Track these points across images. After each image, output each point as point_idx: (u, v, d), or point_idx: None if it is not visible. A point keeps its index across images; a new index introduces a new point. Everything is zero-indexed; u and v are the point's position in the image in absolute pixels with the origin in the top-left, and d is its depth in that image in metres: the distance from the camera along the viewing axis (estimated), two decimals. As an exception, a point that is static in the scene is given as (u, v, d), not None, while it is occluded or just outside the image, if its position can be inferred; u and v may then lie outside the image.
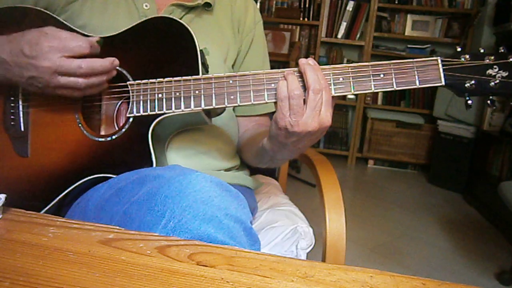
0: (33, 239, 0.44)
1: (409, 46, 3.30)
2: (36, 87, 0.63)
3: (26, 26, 0.62)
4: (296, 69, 0.62)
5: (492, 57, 0.62)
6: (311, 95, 0.58)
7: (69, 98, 0.65)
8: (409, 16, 3.33)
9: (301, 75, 0.61)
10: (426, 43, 3.28)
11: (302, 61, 0.61)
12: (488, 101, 0.64)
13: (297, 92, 0.58)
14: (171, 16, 0.69)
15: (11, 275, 0.37)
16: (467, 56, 0.62)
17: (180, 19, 0.74)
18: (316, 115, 0.59)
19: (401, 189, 2.92)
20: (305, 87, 0.60)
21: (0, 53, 0.61)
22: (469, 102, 0.63)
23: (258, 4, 3.36)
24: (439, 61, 0.62)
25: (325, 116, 0.59)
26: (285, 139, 0.62)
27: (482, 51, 0.63)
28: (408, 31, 3.34)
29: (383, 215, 2.43)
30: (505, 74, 0.61)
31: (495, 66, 0.61)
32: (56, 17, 0.71)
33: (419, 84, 0.62)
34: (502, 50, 0.62)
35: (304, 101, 0.59)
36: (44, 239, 0.44)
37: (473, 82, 0.62)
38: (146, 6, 0.76)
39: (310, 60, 0.61)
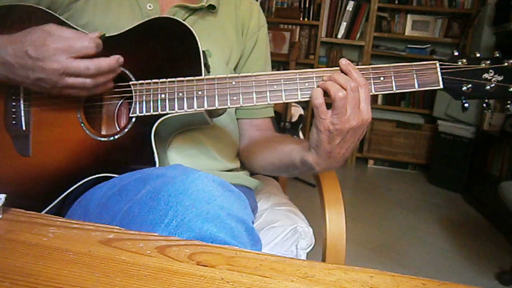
0: (33, 239, 0.44)
1: (409, 46, 3.30)
2: (42, 88, 0.62)
3: (27, 25, 0.62)
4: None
5: (488, 62, 0.63)
6: (350, 93, 0.59)
7: (75, 97, 0.65)
8: (409, 16, 3.33)
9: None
10: (426, 43, 3.28)
11: (342, 61, 0.62)
12: (484, 104, 0.66)
13: (340, 94, 0.59)
14: (173, 17, 0.69)
15: (11, 275, 0.37)
16: (464, 60, 0.64)
17: (184, 20, 0.74)
18: (357, 112, 0.59)
19: (401, 189, 2.92)
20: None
21: (3, 55, 0.60)
22: (466, 105, 0.65)
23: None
24: (438, 65, 0.63)
25: (366, 112, 0.60)
26: (329, 144, 0.61)
27: (478, 55, 0.64)
28: (408, 31, 3.34)
29: (383, 215, 2.43)
30: (500, 78, 0.63)
31: (490, 70, 0.63)
32: (58, 16, 0.71)
33: (418, 87, 0.63)
34: (497, 55, 0.64)
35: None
36: (44, 239, 0.44)
37: (470, 85, 0.63)
38: (149, 6, 0.76)
39: (343, 60, 0.62)
